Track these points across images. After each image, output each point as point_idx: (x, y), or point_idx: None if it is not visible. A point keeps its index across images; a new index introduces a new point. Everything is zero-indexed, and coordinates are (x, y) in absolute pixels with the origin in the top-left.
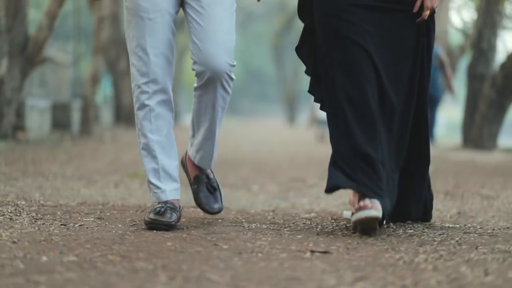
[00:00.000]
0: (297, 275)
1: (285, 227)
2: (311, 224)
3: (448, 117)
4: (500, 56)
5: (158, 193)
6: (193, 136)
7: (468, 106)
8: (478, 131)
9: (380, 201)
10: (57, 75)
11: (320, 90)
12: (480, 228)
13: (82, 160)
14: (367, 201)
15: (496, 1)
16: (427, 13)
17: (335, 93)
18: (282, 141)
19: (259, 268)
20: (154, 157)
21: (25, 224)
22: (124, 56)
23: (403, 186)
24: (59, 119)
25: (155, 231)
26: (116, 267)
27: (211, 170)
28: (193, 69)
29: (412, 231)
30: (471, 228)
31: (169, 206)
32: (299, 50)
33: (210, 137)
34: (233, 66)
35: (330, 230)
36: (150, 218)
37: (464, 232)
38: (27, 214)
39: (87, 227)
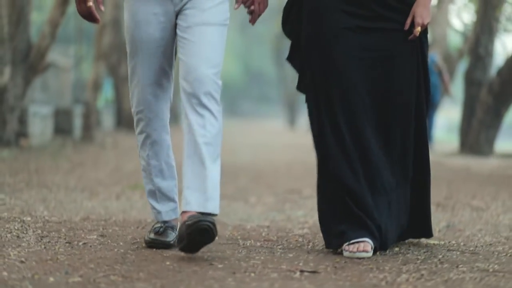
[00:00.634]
0: None
1: (278, 245)
2: (303, 241)
3: (448, 118)
4: (498, 60)
5: (155, 213)
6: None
7: (465, 112)
8: (475, 137)
9: (370, 238)
10: (59, 79)
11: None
12: (464, 245)
13: (84, 169)
14: (353, 246)
15: (493, 7)
16: (418, 29)
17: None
18: (282, 146)
19: None
20: (151, 180)
21: (31, 243)
22: (125, 61)
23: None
24: (61, 124)
25: (154, 249)
26: None
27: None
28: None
29: (398, 248)
30: (455, 245)
31: (168, 226)
32: (292, 61)
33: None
34: (218, 85)
35: (320, 248)
36: (150, 238)
37: (448, 250)
38: (33, 231)
39: (90, 246)
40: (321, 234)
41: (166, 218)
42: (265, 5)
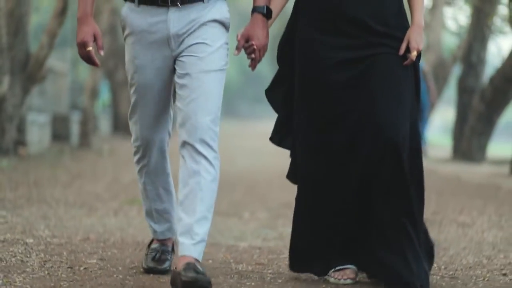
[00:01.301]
0: None
1: (268, 269)
2: None
3: (443, 119)
4: (494, 63)
5: (151, 230)
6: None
7: (458, 119)
8: (467, 143)
9: (355, 264)
10: (56, 84)
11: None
12: (445, 268)
13: (82, 181)
14: (338, 273)
15: (486, 16)
16: (414, 54)
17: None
18: (277, 151)
19: None
20: (148, 202)
21: (35, 268)
22: (122, 67)
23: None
24: (59, 131)
25: (152, 274)
26: None
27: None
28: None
29: None
30: (436, 268)
31: (164, 250)
32: (269, 93)
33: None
34: (215, 132)
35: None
36: (148, 266)
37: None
38: (36, 255)
39: (91, 271)
40: None
41: (160, 237)
42: (265, 51)
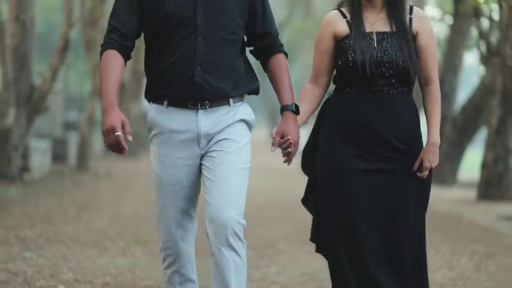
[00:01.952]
0: None
1: None
2: None
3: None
4: (465, 91)
5: None
6: None
7: None
8: (440, 168)
9: None
10: (51, 103)
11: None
12: None
13: (88, 216)
14: None
15: (458, 48)
16: (426, 173)
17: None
18: (263, 171)
19: None
20: None
21: None
22: None
23: None
24: (57, 152)
25: None
26: None
27: None
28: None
29: None
30: None
31: None
32: (305, 203)
33: None
34: (242, 225)
35: None
36: None
37: None
38: None
39: None
40: None
41: None
42: (298, 146)
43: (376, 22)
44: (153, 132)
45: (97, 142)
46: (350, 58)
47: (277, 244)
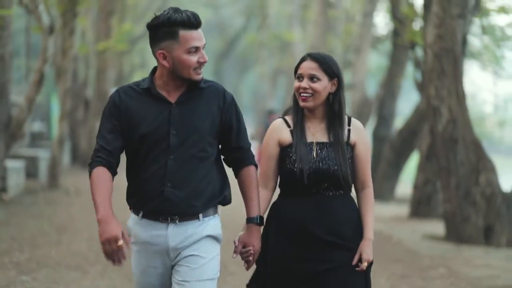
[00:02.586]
0: None
1: None
2: None
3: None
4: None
5: None
6: None
7: (372, 163)
8: (379, 185)
9: None
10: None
11: None
12: None
13: (68, 238)
14: None
15: (396, 75)
16: (365, 264)
17: None
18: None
19: None
20: None
21: None
22: (81, 106)
23: None
24: (29, 169)
25: None
26: None
27: None
28: None
29: None
30: None
31: None
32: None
33: None
34: None
35: None
36: None
37: None
38: None
39: None
40: None
41: None
42: (258, 254)
43: (317, 132)
44: (131, 240)
45: (65, 156)
46: (290, 166)
47: (228, 264)
